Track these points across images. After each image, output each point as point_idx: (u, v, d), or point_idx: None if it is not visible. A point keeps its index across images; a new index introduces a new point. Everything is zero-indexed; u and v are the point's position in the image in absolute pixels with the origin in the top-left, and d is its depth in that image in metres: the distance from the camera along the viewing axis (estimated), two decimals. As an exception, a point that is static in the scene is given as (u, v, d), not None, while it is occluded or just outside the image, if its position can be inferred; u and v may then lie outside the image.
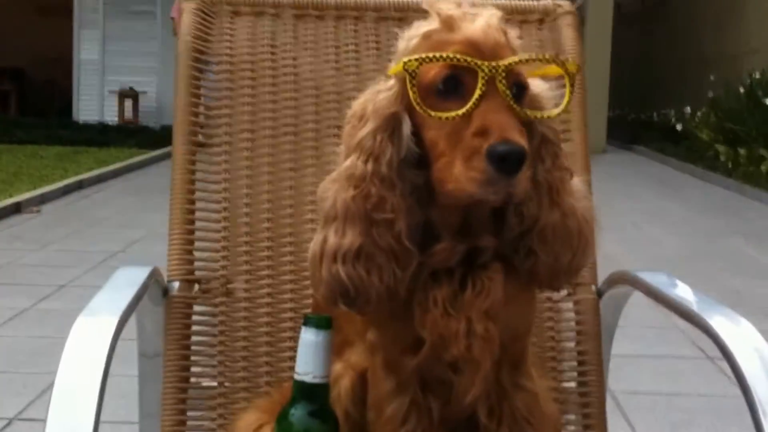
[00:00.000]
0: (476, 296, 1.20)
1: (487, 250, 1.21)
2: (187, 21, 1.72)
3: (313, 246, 1.21)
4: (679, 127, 14.37)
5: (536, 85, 1.22)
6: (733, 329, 1.21)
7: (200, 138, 1.69)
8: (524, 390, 1.31)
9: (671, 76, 17.94)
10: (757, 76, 12.43)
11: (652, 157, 14.31)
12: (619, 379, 3.92)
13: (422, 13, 1.23)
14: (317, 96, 1.73)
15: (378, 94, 1.21)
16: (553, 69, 1.23)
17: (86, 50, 16.99)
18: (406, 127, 1.17)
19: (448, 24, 1.17)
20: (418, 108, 1.14)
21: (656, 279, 1.45)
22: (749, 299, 5.41)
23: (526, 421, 1.30)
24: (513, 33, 1.21)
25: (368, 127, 1.18)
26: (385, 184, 1.17)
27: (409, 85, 1.13)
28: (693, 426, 3.47)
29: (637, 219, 8.45)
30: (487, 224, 1.21)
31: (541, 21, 1.82)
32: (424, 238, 1.20)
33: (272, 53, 1.74)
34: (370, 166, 1.17)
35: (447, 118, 1.12)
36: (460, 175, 1.10)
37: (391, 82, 1.21)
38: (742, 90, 12.55)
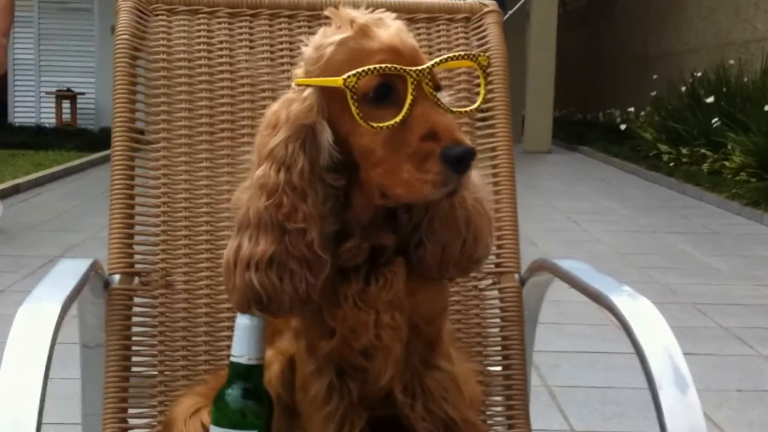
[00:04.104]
0: (381, 290, 1.28)
1: (389, 247, 1.29)
2: (123, 19, 1.75)
3: (227, 253, 1.26)
4: (623, 126, 14.56)
5: None
6: (634, 306, 1.29)
7: (139, 133, 1.74)
8: (440, 369, 1.39)
9: (616, 75, 18.14)
10: (699, 75, 12.64)
11: (596, 157, 14.47)
12: (556, 374, 4.02)
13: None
14: (252, 93, 1.78)
15: (291, 104, 1.24)
16: (464, 62, 1.32)
17: (20, 49, 16.12)
18: (326, 137, 1.21)
19: (364, 31, 1.21)
20: (360, 122, 1.16)
21: (571, 265, 1.54)
22: (684, 296, 5.55)
23: (442, 398, 1.38)
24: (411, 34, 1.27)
25: (280, 136, 1.22)
26: (297, 194, 1.21)
27: (351, 101, 1.16)
28: (624, 417, 3.56)
29: (579, 218, 8.58)
30: (385, 224, 1.28)
31: (467, 19, 1.88)
32: (334, 238, 1.26)
33: (208, 51, 1.79)
34: (282, 175, 1.21)
35: (387, 127, 1.16)
36: (413, 178, 1.15)
37: (307, 92, 1.23)
38: (683, 89, 12.75)
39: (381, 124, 1.16)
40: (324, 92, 1.22)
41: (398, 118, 1.16)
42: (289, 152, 1.21)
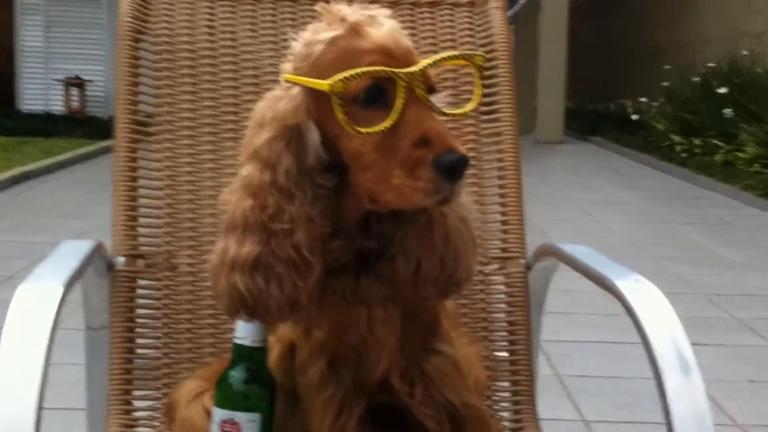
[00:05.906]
0: (373, 284, 1.25)
1: (372, 250, 1.25)
2: (125, 0, 1.75)
3: (214, 255, 1.22)
4: (635, 117, 14.51)
5: None
6: (637, 289, 1.27)
7: (142, 115, 1.73)
8: (439, 353, 1.35)
9: (628, 65, 18.09)
10: (712, 65, 12.60)
11: (609, 147, 14.42)
12: (567, 364, 4.00)
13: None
14: (256, 76, 1.77)
15: (278, 102, 1.20)
16: (459, 62, 1.25)
17: (28, 37, 16.26)
18: (313, 138, 1.18)
19: (355, 30, 1.16)
20: (347, 128, 1.12)
21: (576, 250, 1.52)
22: (698, 287, 5.52)
23: (442, 383, 1.34)
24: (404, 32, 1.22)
25: (265, 135, 1.18)
26: (283, 195, 1.17)
27: (336, 107, 1.12)
28: (636, 408, 3.54)
29: (591, 208, 8.55)
30: (365, 228, 1.25)
31: (471, 4, 1.85)
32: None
33: (210, 34, 1.78)
34: (266, 175, 1.17)
35: (376, 133, 1.12)
36: (404, 186, 1.11)
37: (294, 90, 1.19)
38: (696, 80, 12.71)
39: (369, 130, 1.12)
40: (312, 92, 1.17)
41: (387, 123, 1.11)
42: (274, 152, 1.17)
